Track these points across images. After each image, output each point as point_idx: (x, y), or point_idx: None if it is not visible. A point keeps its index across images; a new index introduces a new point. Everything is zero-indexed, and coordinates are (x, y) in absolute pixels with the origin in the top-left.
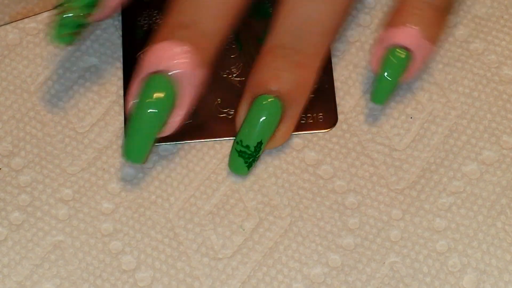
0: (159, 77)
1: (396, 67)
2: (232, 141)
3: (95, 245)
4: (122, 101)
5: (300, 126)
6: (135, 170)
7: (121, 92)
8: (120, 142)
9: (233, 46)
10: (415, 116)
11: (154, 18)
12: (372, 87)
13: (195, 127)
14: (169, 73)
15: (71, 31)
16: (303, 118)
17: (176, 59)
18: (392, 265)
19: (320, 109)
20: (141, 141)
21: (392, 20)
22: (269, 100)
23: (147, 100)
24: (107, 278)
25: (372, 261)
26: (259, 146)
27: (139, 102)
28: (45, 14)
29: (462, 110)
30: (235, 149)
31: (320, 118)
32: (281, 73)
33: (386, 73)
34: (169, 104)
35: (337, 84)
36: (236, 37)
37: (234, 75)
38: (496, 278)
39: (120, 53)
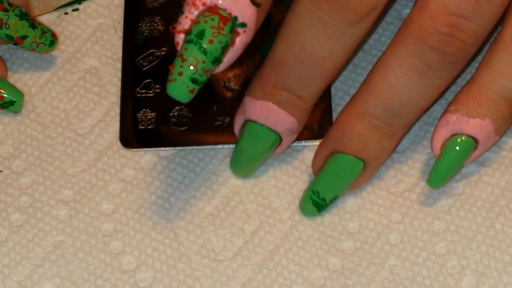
0: (267, 132)
1: (459, 155)
2: (227, 149)
3: (95, 245)
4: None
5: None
6: (135, 171)
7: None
8: (120, 143)
9: None
10: None
11: (155, 24)
12: (431, 169)
13: (190, 134)
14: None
15: (198, 87)
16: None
17: (284, 126)
18: (391, 268)
19: (316, 120)
20: (244, 167)
21: (465, 106)
22: (354, 163)
23: (251, 147)
24: (107, 278)
25: (372, 264)
26: (334, 199)
27: (243, 141)
28: (45, 17)
29: None
30: (310, 197)
31: (316, 129)
32: (370, 143)
33: (448, 160)
34: (269, 151)
35: (337, 84)
36: None
37: (232, 83)
38: (495, 279)
39: (120, 54)
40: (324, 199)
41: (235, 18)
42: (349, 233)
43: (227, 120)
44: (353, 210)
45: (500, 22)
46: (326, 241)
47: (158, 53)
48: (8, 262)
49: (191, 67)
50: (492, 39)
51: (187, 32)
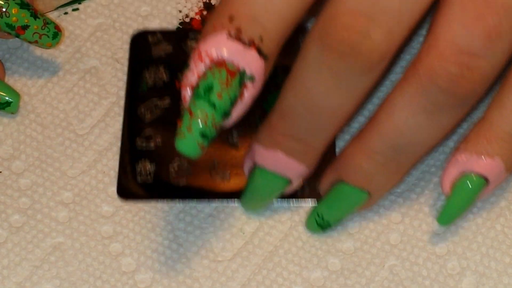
0: (277, 178)
1: (470, 194)
2: (225, 205)
3: (95, 247)
4: (122, 102)
5: (295, 196)
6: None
7: (122, 93)
8: (119, 143)
9: None
10: None
11: (160, 74)
12: (442, 208)
13: (190, 188)
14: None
15: (208, 142)
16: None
17: (294, 173)
18: (391, 268)
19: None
20: (255, 206)
21: (475, 145)
22: (358, 194)
23: (261, 189)
24: (107, 279)
25: (371, 264)
26: (338, 221)
27: (253, 184)
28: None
29: None
30: (315, 219)
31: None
32: (374, 177)
33: (458, 199)
34: (279, 192)
35: None
36: None
37: (234, 136)
38: (495, 280)
39: (120, 54)
40: (328, 222)
41: (243, 71)
42: (348, 233)
43: (228, 175)
44: None
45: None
46: (325, 242)
47: (161, 104)
48: (8, 263)
49: (201, 122)
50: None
51: (195, 87)
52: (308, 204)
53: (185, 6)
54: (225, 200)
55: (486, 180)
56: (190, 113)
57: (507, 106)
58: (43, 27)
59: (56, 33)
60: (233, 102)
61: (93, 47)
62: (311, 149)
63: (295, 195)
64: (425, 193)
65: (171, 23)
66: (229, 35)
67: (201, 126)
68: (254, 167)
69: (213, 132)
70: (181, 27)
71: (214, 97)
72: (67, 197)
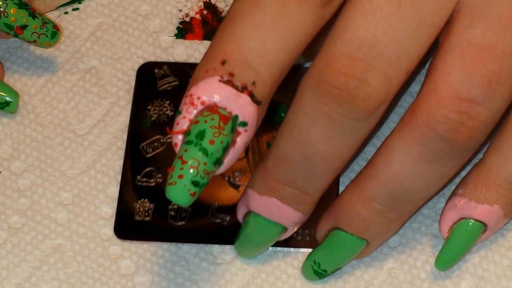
0: (272, 225)
1: (468, 239)
2: (222, 249)
3: (94, 249)
4: (122, 102)
5: (295, 243)
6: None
7: (121, 93)
8: (119, 143)
9: None
10: None
11: (164, 109)
12: (439, 252)
13: (187, 230)
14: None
15: (199, 190)
16: (299, 234)
17: (289, 220)
18: (390, 271)
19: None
20: (249, 253)
21: (474, 191)
22: (356, 242)
23: (255, 236)
24: (106, 281)
25: (370, 267)
26: (336, 270)
27: (246, 230)
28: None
29: None
30: (311, 267)
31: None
32: (373, 226)
33: (456, 244)
34: (274, 240)
35: None
36: None
37: (237, 179)
38: (494, 283)
39: (120, 54)
40: (325, 270)
41: (236, 117)
42: None
43: (227, 218)
44: None
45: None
46: None
47: (164, 140)
48: (7, 265)
49: (192, 170)
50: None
51: (186, 133)
52: (305, 251)
53: (185, 5)
54: (223, 245)
55: (484, 225)
56: (182, 160)
57: (505, 153)
58: (41, 27)
59: (54, 33)
60: (226, 149)
61: (93, 47)
62: (307, 196)
63: (291, 243)
64: None
65: (171, 22)
66: (221, 79)
67: (192, 174)
68: (248, 214)
69: (205, 179)
70: (181, 26)
71: (206, 144)
72: (66, 198)
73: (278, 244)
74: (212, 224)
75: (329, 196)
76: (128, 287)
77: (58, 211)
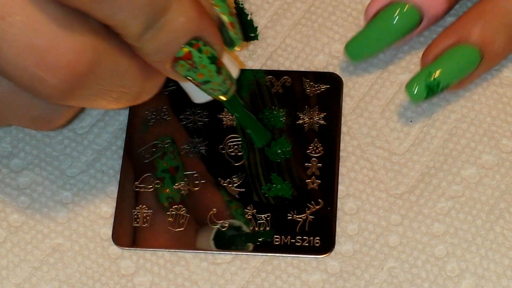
0: (410, 6)
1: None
2: (219, 257)
3: (94, 249)
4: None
5: (294, 249)
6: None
7: None
8: (119, 143)
9: (239, 154)
10: (415, 119)
11: (162, 114)
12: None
13: (186, 236)
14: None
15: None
16: (299, 240)
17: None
18: (390, 271)
19: (318, 233)
20: (369, 43)
21: None
22: (475, 54)
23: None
24: (106, 282)
25: (370, 266)
26: (445, 87)
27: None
28: None
29: (462, 113)
30: (425, 78)
31: (317, 243)
32: (497, 38)
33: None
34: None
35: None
36: (243, 144)
37: (235, 185)
38: (494, 283)
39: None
40: (438, 83)
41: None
42: (348, 235)
43: (226, 224)
44: (352, 212)
45: None
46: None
47: (162, 145)
48: (7, 264)
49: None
50: None
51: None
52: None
53: None
54: (221, 252)
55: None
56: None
57: None
58: (220, 84)
59: (228, 89)
60: None
61: None
62: None
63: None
64: (424, 195)
65: None
66: None
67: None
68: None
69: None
70: None
71: None
72: (66, 197)
73: (279, 251)
74: (210, 230)
75: (329, 196)
76: (128, 287)
77: (57, 210)
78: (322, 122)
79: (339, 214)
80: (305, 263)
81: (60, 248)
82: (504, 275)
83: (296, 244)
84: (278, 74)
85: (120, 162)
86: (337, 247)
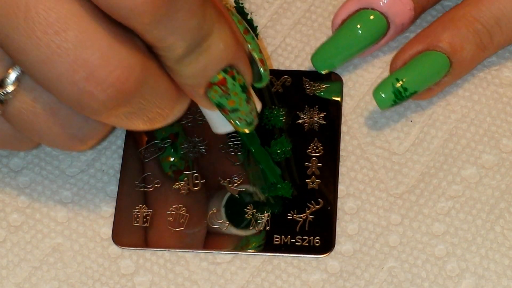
0: (377, 14)
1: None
2: (219, 256)
3: (94, 248)
4: None
5: (294, 249)
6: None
7: None
8: (119, 142)
9: (239, 153)
10: (415, 119)
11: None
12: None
13: (186, 236)
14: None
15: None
16: (299, 240)
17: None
18: (390, 270)
19: (318, 233)
20: (336, 52)
21: None
22: (444, 61)
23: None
24: (105, 281)
25: (370, 266)
26: (412, 94)
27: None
28: None
29: (462, 113)
30: (392, 84)
31: (317, 242)
32: (466, 45)
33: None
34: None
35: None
36: (243, 144)
37: (235, 184)
38: (495, 282)
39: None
40: (405, 89)
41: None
42: (348, 235)
43: (226, 224)
44: (352, 211)
45: None
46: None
47: (162, 145)
48: (6, 264)
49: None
50: None
51: None
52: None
53: None
54: (221, 252)
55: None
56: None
57: None
58: (247, 113)
59: (253, 120)
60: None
61: None
62: None
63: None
64: (424, 194)
65: None
66: None
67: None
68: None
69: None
70: None
71: None
72: (66, 196)
73: (279, 250)
74: (210, 230)
75: (329, 196)
76: (128, 287)
77: (57, 209)
78: (322, 121)
79: (339, 213)
80: (305, 263)
81: (60, 247)
82: (504, 275)
83: (296, 243)
84: (278, 73)
85: (120, 161)
86: (337, 246)
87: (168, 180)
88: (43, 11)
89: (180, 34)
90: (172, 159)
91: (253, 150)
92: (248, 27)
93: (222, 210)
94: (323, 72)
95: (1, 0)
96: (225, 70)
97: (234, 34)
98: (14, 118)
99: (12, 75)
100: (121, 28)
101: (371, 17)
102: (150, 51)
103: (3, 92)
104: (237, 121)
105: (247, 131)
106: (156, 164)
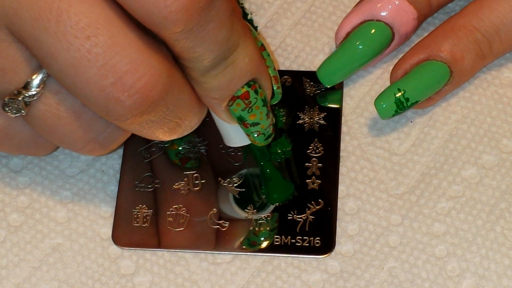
0: (381, 26)
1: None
2: (219, 257)
3: (94, 248)
4: None
5: (294, 249)
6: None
7: None
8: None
9: (239, 153)
10: (415, 120)
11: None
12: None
13: (186, 236)
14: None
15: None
16: (299, 240)
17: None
18: (390, 271)
19: (318, 233)
20: (342, 67)
21: None
22: (444, 71)
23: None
24: (105, 282)
25: (370, 266)
26: (414, 104)
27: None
28: None
29: (462, 114)
30: (394, 94)
31: (317, 243)
32: (466, 55)
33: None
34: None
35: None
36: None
37: (235, 184)
38: (495, 283)
39: None
40: (407, 99)
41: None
42: (348, 236)
43: (226, 224)
44: (352, 212)
45: None
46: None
47: (162, 145)
48: (6, 264)
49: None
50: None
51: None
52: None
53: None
54: (221, 252)
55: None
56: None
57: None
58: (266, 128)
59: (270, 135)
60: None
61: None
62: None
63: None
64: (424, 195)
65: None
66: None
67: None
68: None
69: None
70: None
71: None
72: (66, 196)
73: (279, 251)
74: (210, 230)
75: (329, 196)
76: (128, 287)
77: (57, 209)
78: (322, 122)
79: (340, 214)
80: (305, 263)
81: (60, 247)
82: (505, 275)
83: (297, 244)
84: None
85: (120, 161)
86: (337, 247)
87: (168, 180)
88: (75, 15)
89: (209, 45)
90: (178, 147)
91: (263, 165)
92: (264, 44)
93: (231, 197)
94: (328, 86)
95: (33, 3)
96: (248, 84)
97: (257, 48)
98: (37, 121)
99: (38, 78)
100: (150, 36)
101: (376, 29)
102: (175, 61)
103: (28, 95)
104: (255, 135)
105: (263, 144)
106: (156, 164)
